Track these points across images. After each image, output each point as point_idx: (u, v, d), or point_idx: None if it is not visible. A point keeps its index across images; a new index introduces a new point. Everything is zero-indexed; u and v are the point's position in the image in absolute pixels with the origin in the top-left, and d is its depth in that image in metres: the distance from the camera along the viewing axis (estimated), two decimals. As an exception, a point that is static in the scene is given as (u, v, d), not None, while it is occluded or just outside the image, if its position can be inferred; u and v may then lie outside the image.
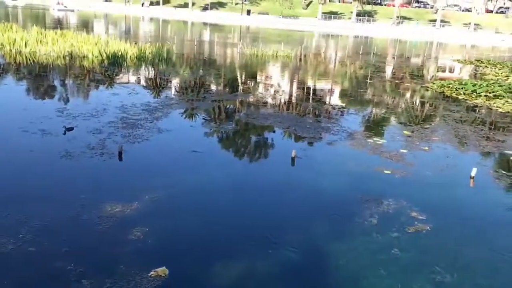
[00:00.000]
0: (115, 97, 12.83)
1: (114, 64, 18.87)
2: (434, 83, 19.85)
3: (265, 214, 6.49)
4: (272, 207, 6.72)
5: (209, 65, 22.37)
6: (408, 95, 18.26)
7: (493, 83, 20.05)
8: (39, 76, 15.62)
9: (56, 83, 14.84)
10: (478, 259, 5.61)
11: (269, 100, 14.68)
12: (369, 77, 22.70)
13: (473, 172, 8.13)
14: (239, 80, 18.80)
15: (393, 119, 13.51)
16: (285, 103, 14.57)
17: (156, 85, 15.83)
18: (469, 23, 76.60)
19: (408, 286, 4.94)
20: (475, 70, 28.35)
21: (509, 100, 16.40)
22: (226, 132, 10.36)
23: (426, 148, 10.01)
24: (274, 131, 10.70)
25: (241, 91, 16.09)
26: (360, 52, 35.84)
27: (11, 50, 19.98)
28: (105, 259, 5.06)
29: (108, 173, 7.46)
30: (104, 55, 19.63)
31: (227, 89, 16.36)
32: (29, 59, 18.58)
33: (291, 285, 4.89)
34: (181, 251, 5.39)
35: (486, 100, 16.46)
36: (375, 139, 10.43)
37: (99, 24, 48.33)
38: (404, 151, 9.59)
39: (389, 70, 26.79)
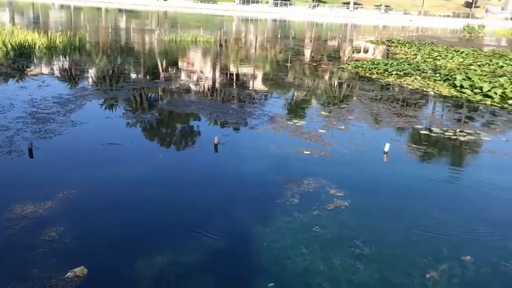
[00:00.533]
0: (23, 91, 12.02)
1: (21, 55, 17.65)
2: (349, 64, 20.61)
3: (188, 203, 6.40)
4: (195, 195, 6.64)
5: (126, 53, 21.60)
6: (325, 76, 18.81)
7: (402, 62, 21.18)
8: None
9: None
10: (394, 231, 5.90)
11: (191, 87, 14.49)
12: (289, 60, 23.09)
13: (386, 147, 8.55)
14: (159, 68, 18.35)
15: (312, 101, 13.87)
16: (207, 89, 14.44)
17: (69, 76, 15.04)
18: (380, 5, 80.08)
19: (329, 262, 5.09)
20: (387, 50, 29.81)
21: (417, 77, 17.41)
22: (146, 121, 10.08)
23: (343, 127, 10.38)
24: (196, 119, 10.57)
25: (162, 78, 15.73)
26: (279, 36, 36.32)
27: None
28: (17, 264, 4.73)
29: (18, 171, 6.99)
30: (10, 46, 18.28)
31: (147, 77, 15.92)
32: None
33: (216, 272, 4.86)
34: (101, 249, 5.17)
35: (397, 78, 17.37)
36: (295, 121, 10.65)
37: (3, 12, 44.90)
38: (323, 131, 9.88)
39: (307, 53, 27.42)
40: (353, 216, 6.17)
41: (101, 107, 11.20)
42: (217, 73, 18.22)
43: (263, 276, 4.80)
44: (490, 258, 5.28)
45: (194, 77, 16.57)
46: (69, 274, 4.59)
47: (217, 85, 15.48)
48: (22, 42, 18.55)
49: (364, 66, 19.67)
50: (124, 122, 9.92)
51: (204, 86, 14.99)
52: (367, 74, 18.23)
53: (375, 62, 20.37)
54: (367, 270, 4.98)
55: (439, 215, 6.32)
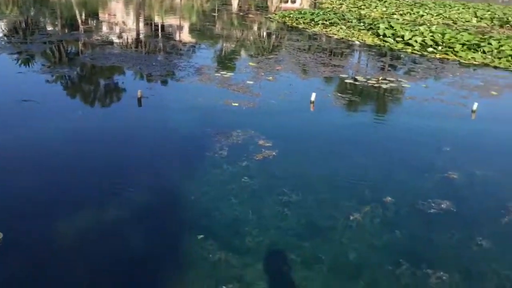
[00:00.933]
0: None
1: None
2: (276, 14, 20.44)
3: (112, 159, 6.16)
4: (119, 152, 6.41)
5: (40, 3, 19.99)
6: (253, 27, 18.57)
7: (329, 11, 21.34)
8: None
9: None
10: (320, 178, 6.04)
11: (113, 39, 13.75)
12: (216, 10, 22.50)
13: (313, 97, 8.67)
14: (78, 19, 17.21)
15: (240, 52, 13.69)
16: (130, 41, 13.79)
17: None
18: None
19: (258, 211, 5.14)
20: (314, 0, 29.83)
21: (343, 27, 17.65)
22: (65, 76, 9.47)
23: (271, 78, 10.37)
24: (118, 72, 10.10)
25: (81, 30, 14.79)
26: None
27: None
28: None
29: None
30: None
31: (64, 29, 14.90)
32: None
33: (144, 227, 4.76)
34: (18, 211, 4.87)
35: (323, 28, 17.51)
36: (222, 72, 10.48)
37: None
38: (251, 82, 9.81)
39: (235, 3, 26.83)
40: (281, 165, 6.24)
41: (13, 61, 10.36)
42: (141, 24, 17.42)
43: (193, 228, 4.76)
44: (409, 198, 5.59)
45: (117, 29, 15.73)
46: (-16, 239, 4.31)
47: (141, 36, 14.82)
48: None
49: (291, 16, 19.60)
50: (40, 77, 9.27)
51: (127, 38, 14.29)
52: (294, 24, 18.21)
53: (302, 12, 20.35)
54: (294, 216, 5.10)
55: (362, 161, 6.56)
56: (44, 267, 4.08)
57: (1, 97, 8.08)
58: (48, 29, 14.71)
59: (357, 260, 4.35)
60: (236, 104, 8.32)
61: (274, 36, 16.15)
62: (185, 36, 15.72)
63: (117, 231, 4.66)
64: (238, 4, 26.23)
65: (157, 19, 18.96)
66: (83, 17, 17.77)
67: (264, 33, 17.07)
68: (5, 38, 12.62)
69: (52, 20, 16.41)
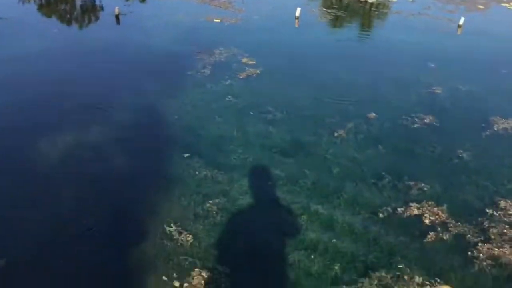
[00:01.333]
0: None
1: None
2: None
3: (92, 78, 6.00)
4: (99, 70, 6.24)
5: None
6: None
7: None
8: None
9: None
10: (305, 95, 5.98)
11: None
12: None
13: (297, 12, 8.39)
14: None
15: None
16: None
17: None
18: None
19: (242, 129, 5.13)
20: None
21: None
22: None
23: (254, -7, 9.96)
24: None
25: None
26: None
27: None
28: None
29: None
30: None
31: None
32: None
33: (127, 145, 4.73)
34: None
35: None
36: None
37: None
38: (233, -3, 9.43)
39: None
40: (265, 83, 6.16)
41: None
42: None
43: (178, 147, 4.75)
44: (393, 113, 5.60)
45: None
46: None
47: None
48: None
49: None
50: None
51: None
52: None
53: None
54: (279, 133, 5.11)
55: (348, 77, 6.50)
56: (29, 184, 4.08)
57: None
58: None
59: (340, 174, 4.43)
60: (218, 20, 8.03)
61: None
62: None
63: (102, 149, 4.62)
64: None
65: None
66: None
67: None
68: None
69: None
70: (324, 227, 3.71)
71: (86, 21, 8.18)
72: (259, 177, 4.38)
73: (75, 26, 7.94)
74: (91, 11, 8.56)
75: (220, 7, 8.75)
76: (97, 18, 8.24)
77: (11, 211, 3.72)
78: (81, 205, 3.82)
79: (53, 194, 3.95)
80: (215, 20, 8.04)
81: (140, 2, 8.97)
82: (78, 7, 8.76)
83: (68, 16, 8.38)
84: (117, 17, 7.77)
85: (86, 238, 3.47)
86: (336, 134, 5.09)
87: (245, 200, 3.99)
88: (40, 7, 8.60)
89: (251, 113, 5.42)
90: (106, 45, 7.02)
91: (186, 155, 4.61)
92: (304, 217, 3.81)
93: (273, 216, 3.87)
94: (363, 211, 3.93)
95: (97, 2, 8.94)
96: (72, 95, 5.58)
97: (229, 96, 5.74)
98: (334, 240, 3.57)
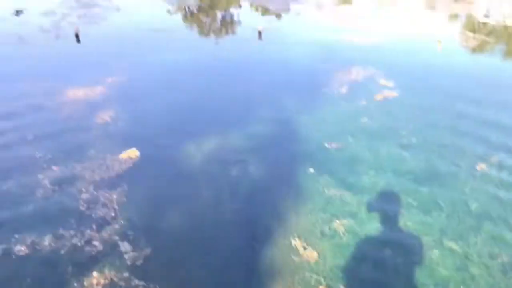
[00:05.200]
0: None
1: None
2: None
3: (235, 89, 6.39)
4: (242, 82, 6.61)
5: None
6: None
7: None
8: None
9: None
10: (444, 122, 5.72)
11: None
12: None
13: (441, 36, 8.04)
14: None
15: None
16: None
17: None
18: None
19: (376, 151, 5.06)
20: None
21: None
22: (189, 8, 9.78)
23: (396, 14, 9.76)
24: (239, 6, 10.17)
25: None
26: None
27: None
28: (74, 144, 4.96)
29: (67, 57, 7.08)
30: None
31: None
32: None
33: (262, 157, 4.93)
34: (151, 133, 5.32)
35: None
36: (343, 6, 10.07)
37: None
38: (373, 17, 9.34)
39: None
40: (401, 106, 6.01)
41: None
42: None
43: (308, 162, 4.84)
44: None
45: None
46: (122, 155, 4.80)
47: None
48: None
49: None
50: (167, 8, 9.69)
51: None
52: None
53: None
54: (413, 159, 4.94)
55: (492, 106, 6.06)
56: (174, 183, 4.47)
57: (135, 25, 8.62)
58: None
59: (478, 211, 4.14)
60: (357, 40, 8.02)
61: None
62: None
63: (236, 156, 4.89)
64: None
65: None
66: None
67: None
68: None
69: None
70: (457, 266, 3.51)
71: (231, 34, 8.70)
72: (390, 202, 4.28)
73: (220, 38, 8.49)
74: (232, 24, 9.09)
75: (359, 27, 8.73)
76: (239, 32, 8.70)
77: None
78: (217, 208, 4.09)
79: (191, 188, 4.28)
80: (354, 39, 8.04)
81: (281, 19, 9.29)
82: (220, 19, 9.35)
83: (211, 27, 8.99)
84: (259, 33, 8.15)
85: (220, 240, 3.70)
86: (477, 167, 4.78)
87: (374, 224, 3.92)
88: (187, 16, 9.36)
89: (384, 135, 5.32)
90: (248, 59, 7.43)
91: (311, 169, 4.69)
92: (436, 252, 3.63)
93: (402, 246, 3.75)
94: (503, 255, 3.63)
95: (241, 17, 9.45)
96: (214, 102, 6.01)
97: (364, 117, 5.70)
98: (468, 281, 3.36)
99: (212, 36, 8.57)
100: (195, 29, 8.79)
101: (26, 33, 7.56)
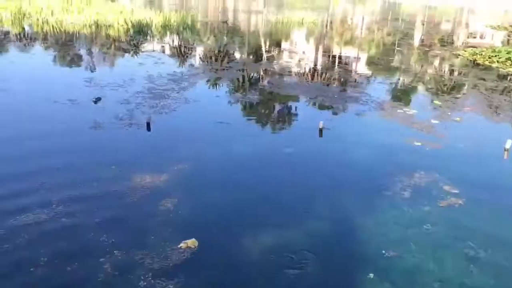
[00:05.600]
0: (141, 67, 12.79)
1: (139, 32, 18.80)
2: (465, 51, 19.18)
3: (294, 186, 6.43)
4: (301, 179, 6.66)
5: (233, 33, 22.06)
6: (438, 63, 17.72)
7: (528, 50, 19.26)
8: (66, 45, 15.67)
9: (83, 52, 14.86)
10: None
11: (295, 69, 14.44)
12: (397, 43, 22.11)
13: (508, 144, 7.87)
14: (263, 48, 18.51)
15: (423, 88, 13.16)
16: (308, 71, 14.31)
17: (181, 54, 15.73)
18: (503, -14, 73.20)
19: (441, 262, 4.85)
20: (508, 37, 27.28)
21: (546, 68, 15.76)
22: (252, 102, 10.25)
23: (458, 118, 9.73)
24: (300, 101, 10.54)
25: (266, 59, 15.88)
26: (388, 18, 34.86)
27: (38, 19, 20.06)
28: (137, 230, 5.09)
29: (137, 144, 7.48)
30: (130, 24, 19.57)
31: (251, 57, 16.15)
32: (56, 28, 18.64)
33: (320, 258, 4.84)
34: (211, 223, 5.38)
35: (522, 68, 15.86)
36: (405, 109, 10.19)
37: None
38: (435, 121, 9.35)
39: (417, 37, 26.00)
40: (468, 216, 5.79)
41: (209, 85, 11.58)
42: (319, 55, 17.99)
43: (365, 265, 4.71)
44: None
45: (296, 58, 16.49)
46: (182, 244, 4.85)
47: (318, 66, 15.28)
48: (140, 20, 19.77)
49: (483, 53, 18.19)
50: (231, 101, 10.20)
51: (305, 67, 14.88)
52: (486, 62, 16.84)
53: (496, 50, 18.75)
54: (482, 275, 4.68)
55: None
56: (230, 278, 4.43)
57: (202, 117, 9.05)
58: (237, 56, 16.07)
59: None
60: (419, 144, 7.99)
61: (461, 74, 15.17)
62: (364, 68, 15.74)
63: (294, 255, 4.81)
64: (421, 38, 25.34)
65: (335, 50, 19.36)
66: (267, 46, 19.01)
67: (450, 70, 16.14)
68: (203, 65, 14.17)
69: (241, 48, 17.89)
70: None
71: (290, 129, 8.92)
72: (458, 321, 4.00)
73: (281, 132, 8.73)
74: (293, 120, 9.36)
75: (422, 130, 8.74)
76: (300, 128, 8.92)
77: None
78: None
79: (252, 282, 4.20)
80: (415, 143, 8.03)
81: (342, 117, 9.48)
82: (283, 114, 9.66)
83: (274, 121, 9.28)
84: (320, 130, 8.33)
85: None
86: (555, 291, 4.42)
87: None
88: (247, 111, 9.75)
89: (449, 245, 5.09)
90: (307, 155, 7.54)
91: (370, 275, 4.52)
92: None
93: None
94: None
95: (302, 113, 9.73)
96: (271, 196, 6.06)
97: (427, 224, 5.53)
98: None
99: (271, 130, 8.83)
100: (256, 123, 9.11)
101: (102, 120, 8.12)
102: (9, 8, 20.30)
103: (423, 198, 6.10)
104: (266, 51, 17.87)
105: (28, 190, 5.67)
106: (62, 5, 21.36)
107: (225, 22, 25.99)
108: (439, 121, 9.38)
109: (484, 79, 14.00)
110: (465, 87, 13.26)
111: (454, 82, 14.03)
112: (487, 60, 17.14)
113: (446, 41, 24.69)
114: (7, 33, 17.14)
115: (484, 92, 12.35)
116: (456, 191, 6.31)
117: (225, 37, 20.34)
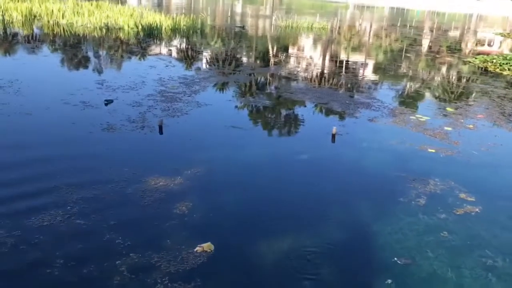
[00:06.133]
0: (152, 70, 12.82)
1: (149, 35, 18.86)
2: (476, 58, 19.11)
3: (308, 190, 6.40)
4: (314, 184, 6.63)
5: (240, 37, 22.08)
6: (448, 70, 17.66)
7: (539, 57, 19.17)
8: (77, 48, 15.74)
9: (94, 55, 14.93)
10: (530, 244, 5.39)
11: (308, 75, 14.43)
12: (404, 50, 22.07)
13: (524, 152, 7.83)
14: (270, 52, 18.50)
15: (434, 95, 13.10)
16: (315, 76, 14.28)
17: (192, 58, 15.75)
18: (512, -6, 73.02)
19: (457, 269, 4.80)
20: (519, 44, 27.15)
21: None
22: (263, 107, 10.23)
23: (471, 126, 9.67)
24: (312, 107, 10.52)
25: (275, 63, 15.86)
26: (396, 25, 34.82)
27: (48, 22, 20.17)
28: (152, 233, 5.07)
29: (150, 147, 7.47)
30: (140, 27, 19.64)
31: (257, 62, 16.13)
32: (67, 31, 18.74)
33: (335, 263, 4.81)
34: (226, 227, 5.36)
35: (533, 76, 15.77)
36: (417, 115, 10.14)
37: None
38: (449, 128, 9.29)
39: (425, 43, 25.95)
40: (484, 223, 5.74)
41: (221, 89, 11.58)
42: (327, 60, 17.98)
43: (382, 272, 4.67)
44: None
45: (303, 64, 16.48)
46: (197, 248, 4.83)
47: (325, 72, 15.25)
48: (150, 23, 19.83)
49: (494, 60, 18.10)
50: (243, 105, 10.18)
51: (312, 72, 14.86)
52: (497, 70, 16.76)
53: (508, 57, 18.66)
54: (500, 283, 4.63)
55: None
56: (251, 277, 4.40)
57: (214, 121, 9.03)
58: (248, 60, 16.07)
59: None
60: (433, 151, 7.94)
61: (472, 81, 15.10)
62: (375, 74, 15.69)
63: (309, 259, 4.79)
64: (429, 45, 25.28)
65: (343, 56, 19.34)
66: (275, 51, 19.00)
67: (460, 77, 16.06)
68: (215, 68, 14.17)
69: (248, 53, 17.89)
70: None
71: (303, 134, 8.89)
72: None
73: (294, 137, 8.71)
74: (306, 125, 9.32)
75: (435, 137, 8.68)
76: (312, 133, 8.88)
77: None
78: None
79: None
80: (429, 150, 7.98)
81: (354, 123, 9.44)
82: (295, 119, 9.63)
83: (286, 126, 9.25)
84: (333, 136, 8.29)
85: None
86: None
87: None
88: (258, 115, 9.73)
89: (466, 253, 5.04)
90: (320, 161, 7.50)
91: (388, 281, 4.49)
92: None
93: None
94: None
95: (313, 118, 9.70)
96: (283, 202, 6.02)
97: (444, 231, 5.48)
98: None
99: (283, 135, 8.80)
100: (268, 127, 9.09)
101: (115, 122, 8.12)
102: (20, 10, 20.42)
103: (438, 206, 6.05)
104: (273, 55, 17.88)
105: (42, 192, 5.68)
106: (72, 8, 21.46)
107: (243, 27, 26.04)
108: (452, 128, 9.32)
109: (495, 87, 13.92)
110: (477, 94, 13.18)
111: (465, 89, 13.97)
112: (498, 67, 17.06)
113: (454, 48, 24.62)
114: (18, 35, 17.25)
115: (496, 99, 12.28)
116: (472, 199, 6.26)
117: (232, 41, 20.36)
